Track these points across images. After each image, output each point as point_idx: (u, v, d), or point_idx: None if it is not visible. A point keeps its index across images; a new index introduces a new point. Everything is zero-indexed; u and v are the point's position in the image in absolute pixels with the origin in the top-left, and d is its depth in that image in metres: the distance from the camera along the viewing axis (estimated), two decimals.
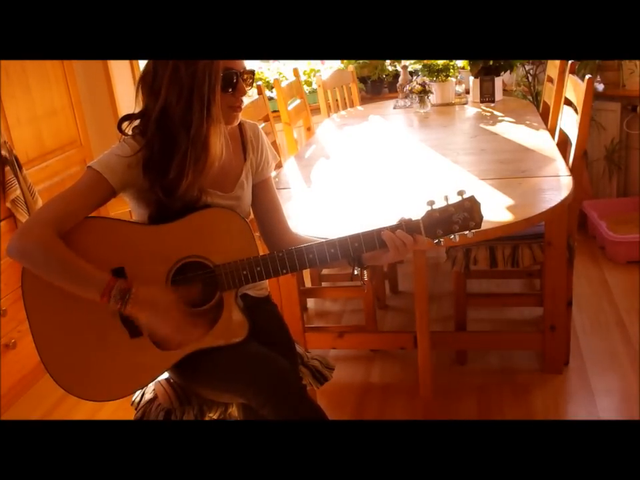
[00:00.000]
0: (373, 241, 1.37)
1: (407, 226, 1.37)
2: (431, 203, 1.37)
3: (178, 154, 1.34)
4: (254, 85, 1.45)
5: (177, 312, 1.33)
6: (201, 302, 1.39)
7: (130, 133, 1.39)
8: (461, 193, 1.36)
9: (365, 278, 1.45)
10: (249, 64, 1.41)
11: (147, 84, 1.35)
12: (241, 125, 1.53)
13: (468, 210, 1.36)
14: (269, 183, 1.59)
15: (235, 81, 1.36)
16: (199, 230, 1.38)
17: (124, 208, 1.47)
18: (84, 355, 1.38)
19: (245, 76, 1.39)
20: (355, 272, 1.43)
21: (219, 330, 1.40)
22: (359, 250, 1.38)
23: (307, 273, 3.01)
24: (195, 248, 1.38)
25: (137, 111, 1.39)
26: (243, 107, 1.41)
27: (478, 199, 1.37)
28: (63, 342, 1.37)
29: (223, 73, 1.33)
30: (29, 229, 1.30)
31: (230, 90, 1.36)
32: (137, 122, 1.39)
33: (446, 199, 1.37)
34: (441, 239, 1.38)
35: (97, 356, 1.38)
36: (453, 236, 1.38)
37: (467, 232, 1.37)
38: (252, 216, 1.60)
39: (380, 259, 1.41)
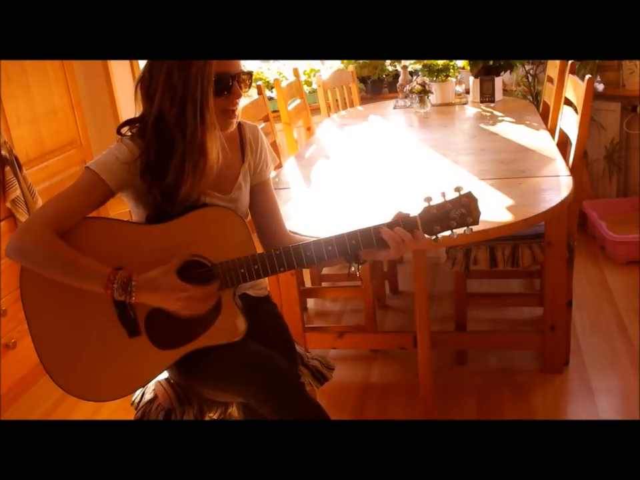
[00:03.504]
0: (370, 238, 1.37)
1: (404, 222, 1.36)
2: (428, 199, 1.36)
3: (175, 159, 1.34)
4: (252, 85, 1.43)
5: (181, 285, 1.32)
6: None
7: (128, 134, 1.39)
8: (458, 189, 1.36)
9: (368, 274, 1.45)
10: (249, 64, 1.40)
11: (143, 88, 1.35)
12: (240, 126, 1.52)
13: (465, 206, 1.36)
14: (268, 184, 1.59)
15: (229, 84, 1.35)
16: (197, 229, 1.38)
17: (124, 208, 1.47)
18: (83, 356, 1.38)
19: (243, 77, 1.37)
20: (352, 269, 1.43)
21: (217, 329, 1.40)
22: (356, 247, 1.38)
23: (307, 273, 3.01)
24: (193, 247, 1.38)
25: (137, 114, 1.39)
26: (237, 111, 1.40)
27: (475, 195, 1.37)
28: (61, 342, 1.37)
29: (215, 77, 1.32)
30: (27, 229, 1.30)
31: (224, 93, 1.35)
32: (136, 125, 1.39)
33: (443, 195, 1.36)
34: (439, 236, 1.38)
35: (95, 356, 1.38)
36: (450, 232, 1.38)
37: (464, 228, 1.37)
38: (250, 217, 1.60)
39: (378, 255, 1.41)
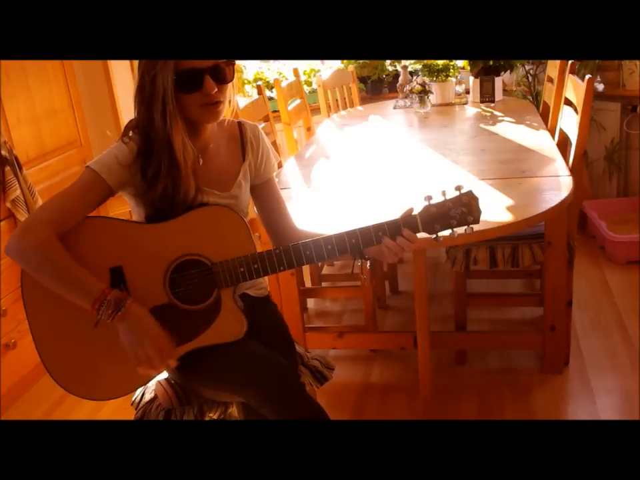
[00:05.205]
0: (370, 237, 1.37)
1: (404, 221, 1.36)
2: (429, 198, 1.36)
3: (153, 158, 1.35)
4: (234, 74, 1.39)
5: (157, 340, 1.31)
6: (199, 300, 1.39)
7: (130, 134, 1.39)
8: (458, 188, 1.36)
9: (368, 267, 1.44)
10: (250, 64, 1.39)
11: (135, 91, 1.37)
12: (241, 126, 1.53)
13: (466, 205, 1.36)
14: (272, 182, 1.59)
15: (199, 79, 1.32)
16: (197, 228, 1.39)
17: (124, 208, 1.47)
18: (83, 354, 1.38)
19: (219, 69, 1.33)
20: (359, 262, 1.42)
21: (217, 328, 1.40)
22: (356, 246, 1.38)
23: (307, 273, 3.01)
24: (193, 246, 1.38)
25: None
26: (225, 100, 1.37)
27: (476, 193, 1.37)
28: (62, 341, 1.37)
29: (181, 74, 1.29)
30: (27, 229, 1.30)
31: (194, 89, 1.32)
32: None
33: (443, 194, 1.36)
34: (439, 235, 1.38)
35: (96, 355, 1.38)
36: (451, 231, 1.38)
37: (465, 227, 1.37)
38: (250, 216, 1.60)
39: (380, 254, 1.41)
